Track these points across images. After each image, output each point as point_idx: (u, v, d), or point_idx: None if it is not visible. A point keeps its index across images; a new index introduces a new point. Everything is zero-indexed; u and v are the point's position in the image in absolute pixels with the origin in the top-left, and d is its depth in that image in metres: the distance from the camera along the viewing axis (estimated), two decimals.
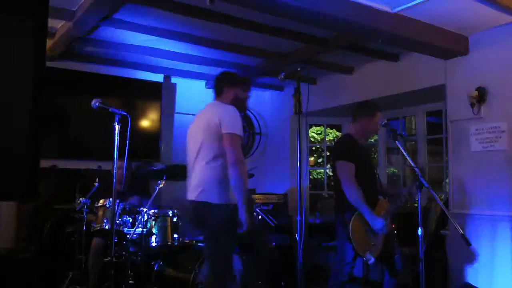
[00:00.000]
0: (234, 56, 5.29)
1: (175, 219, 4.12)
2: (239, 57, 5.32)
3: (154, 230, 4.02)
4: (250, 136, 6.87)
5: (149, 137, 6.00)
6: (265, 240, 4.04)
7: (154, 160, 5.89)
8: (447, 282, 4.45)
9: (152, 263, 4.15)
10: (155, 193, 4.16)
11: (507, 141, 4.03)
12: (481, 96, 4.18)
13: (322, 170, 8.39)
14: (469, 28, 4.21)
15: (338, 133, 10.16)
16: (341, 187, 3.44)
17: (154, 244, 4.03)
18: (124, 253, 4.07)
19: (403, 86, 5.18)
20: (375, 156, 6.52)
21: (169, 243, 4.07)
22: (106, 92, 5.54)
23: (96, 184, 4.37)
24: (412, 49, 4.61)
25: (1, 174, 1.38)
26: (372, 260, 3.36)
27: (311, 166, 9.48)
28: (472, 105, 4.22)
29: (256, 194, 5.97)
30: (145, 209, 4.04)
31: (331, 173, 8.21)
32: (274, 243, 5.07)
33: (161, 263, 4.12)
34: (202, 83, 6.48)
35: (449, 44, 4.26)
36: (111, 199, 3.87)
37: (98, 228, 4.16)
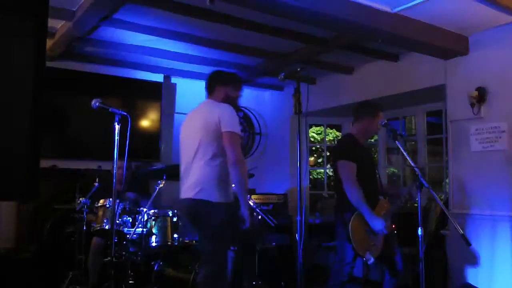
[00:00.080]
0: (234, 56, 5.29)
1: (175, 219, 4.12)
2: (239, 57, 5.32)
3: (154, 230, 4.02)
4: (250, 136, 6.87)
5: (149, 137, 6.00)
6: (260, 241, 4.17)
7: (154, 160, 5.89)
8: (447, 282, 4.45)
9: (152, 263, 4.16)
10: (155, 193, 4.16)
11: (507, 141, 4.03)
12: (481, 96, 4.18)
13: (322, 170, 8.39)
14: (469, 28, 4.21)
15: (338, 133, 10.16)
16: (342, 186, 3.44)
17: (154, 244, 4.02)
18: (124, 253, 4.07)
19: (403, 86, 5.18)
20: (375, 156, 6.52)
21: (169, 243, 4.07)
22: (106, 92, 5.54)
23: (96, 184, 4.37)
24: (412, 49, 4.61)
25: (1, 174, 1.38)
26: (372, 260, 3.36)
27: (311, 166, 9.48)
28: (472, 105, 4.22)
29: (256, 194, 5.97)
30: (145, 209, 4.04)
31: (331, 173, 8.19)
32: (274, 243, 5.08)
33: (161, 263, 4.12)
34: (202, 83, 6.40)
35: (449, 44, 4.26)
36: (111, 199, 3.87)
37: (98, 228, 4.15)
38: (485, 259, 4.15)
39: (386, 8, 3.76)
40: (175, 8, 3.89)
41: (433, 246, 4.45)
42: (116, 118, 3.03)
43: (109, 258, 3.28)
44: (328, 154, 7.42)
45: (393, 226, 3.51)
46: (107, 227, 4.09)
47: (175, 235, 4.10)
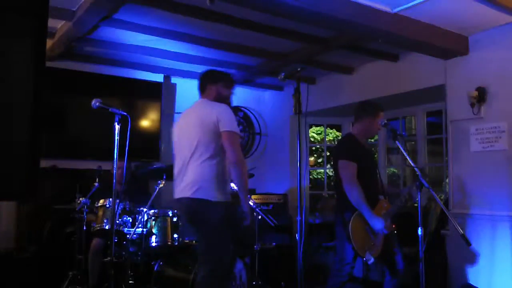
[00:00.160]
0: (234, 56, 5.29)
1: (175, 219, 4.12)
2: (239, 57, 5.32)
3: (154, 230, 4.02)
4: (250, 136, 6.87)
5: (149, 137, 6.00)
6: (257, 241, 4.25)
7: (154, 160, 5.89)
8: (447, 282, 4.45)
9: (152, 263, 4.15)
10: (155, 193, 4.16)
11: (507, 141, 4.03)
12: (481, 96, 4.18)
13: (322, 170, 8.39)
14: (469, 28, 4.21)
15: (338, 133, 10.16)
16: (342, 186, 3.44)
17: (154, 244, 4.03)
18: (124, 253, 4.07)
19: (403, 86, 5.18)
20: (375, 156, 6.52)
21: (169, 243, 4.07)
22: (106, 92, 5.53)
23: (96, 184, 4.37)
24: (412, 49, 4.61)
25: (1, 174, 1.38)
26: (371, 260, 3.36)
27: (311, 166, 9.48)
28: (472, 105, 4.22)
29: (256, 194, 5.98)
30: (145, 209, 4.04)
31: (331, 173, 8.17)
32: (274, 243, 5.08)
33: (161, 263, 4.12)
34: None
35: (449, 44, 4.26)
36: (111, 199, 3.87)
37: (98, 228, 4.16)
38: (485, 259, 4.15)
39: (386, 8, 3.76)
40: (175, 8, 3.89)
41: (433, 246, 4.45)
42: (116, 118, 3.03)
43: (109, 258, 3.28)
44: (328, 154, 7.42)
45: (393, 226, 3.51)
46: (107, 227, 4.09)
47: (175, 235, 4.10)
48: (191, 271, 3.73)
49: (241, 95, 6.64)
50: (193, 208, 3.03)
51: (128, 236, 4.02)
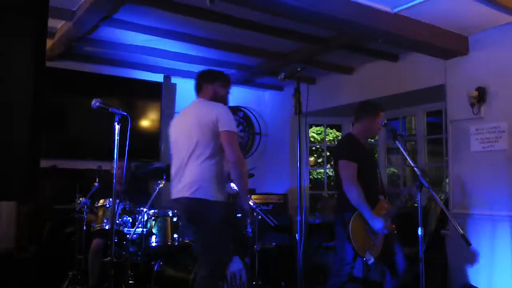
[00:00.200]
0: (234, 56, 5.29)
1: (175, 219, 4.12)
2: (239, 57, 5.32)
3: (154, 230, 4.02)
4: (250, 136, 6.87)
5: (149, 137, 6.00)
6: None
7: (154, 160, 5.89)
8: (447, 282, 4.45)
9: (152, 263, 4.15)
10: (155, 193, 4.15)
11: (507, 141, 4.03)
12: (481, 96, 4.18)
13: (322, 170, 8.39)
14: (469, 28, 4.21)
15: (338, 133, 10.16)
16: (342, 186, 3.44)
17: (154, 244, 4.03)
18: (124, 253, 4.07)
19: (403, 86, 5.18)
20: (375, 156, 6.52)
21: (169, 243, 4.07)
22: (106, 92, 5.54)
23: (96, 184, 4.37)
24: (412, 49, 4.61)
25: (1, 174, 1.38)
26: (372, 260, 3.36)
27: (311, 166, 9.48)
28: (472, 105, 4.22)
29: (256, 194, 5.98)
30: (145, 209, 4.04)
31: (331, 173, 8.16)
32: (274, 243, 5.09)
33: (161, 263, 4.12)
34: None
35: (449, 44, 4.26)
36: (111, 199, 3.87)
37: (98, 228, 4.16)
38: (485, 259, 4.15)
39: (386, 8, 3.76)
40: (175, 8, 3.89)
41: (433, 246, 4.45)
42: (116, 118, 3.03)
43: (109, 258, 3.28)
44: (328, 154, 7.42)
45: (393, 226, 3.51)
46: (107, 227, 4.09)
47: (175, 235, 4.10)
48: (191, 271, 3.73)
49: (241, 95, 6.65)
50: (192, 208, 3.03)
51: (128, 236, 4.02)
